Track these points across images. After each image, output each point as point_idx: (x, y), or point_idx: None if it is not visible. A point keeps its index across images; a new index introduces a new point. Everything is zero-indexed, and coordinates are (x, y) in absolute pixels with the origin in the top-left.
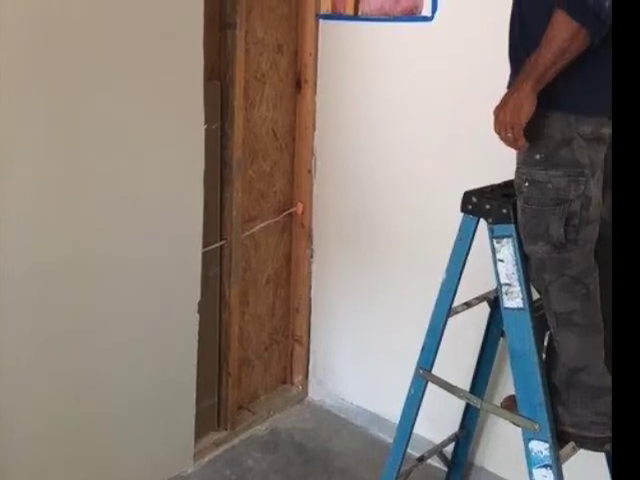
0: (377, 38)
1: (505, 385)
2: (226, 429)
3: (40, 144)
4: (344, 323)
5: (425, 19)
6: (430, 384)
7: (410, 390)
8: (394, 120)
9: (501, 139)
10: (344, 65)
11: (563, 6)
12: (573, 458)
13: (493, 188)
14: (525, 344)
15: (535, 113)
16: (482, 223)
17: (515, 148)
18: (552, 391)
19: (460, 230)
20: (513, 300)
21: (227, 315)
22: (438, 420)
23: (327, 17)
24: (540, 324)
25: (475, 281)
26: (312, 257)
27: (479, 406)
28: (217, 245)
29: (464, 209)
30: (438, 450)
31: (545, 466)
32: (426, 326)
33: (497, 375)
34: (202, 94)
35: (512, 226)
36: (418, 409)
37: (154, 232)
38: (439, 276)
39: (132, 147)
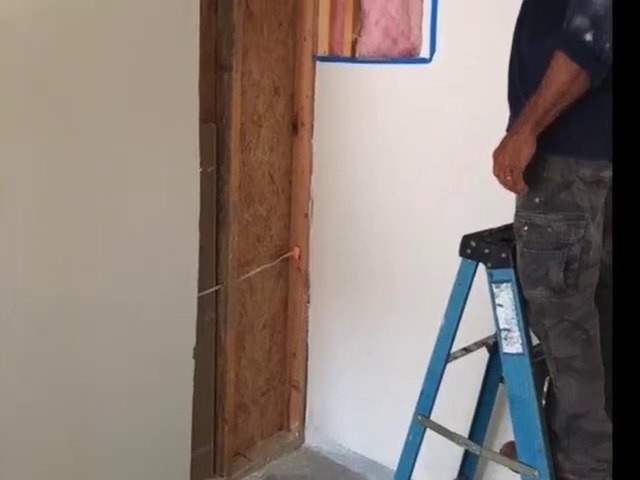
0: (375, 80)
1: (504, 431)
2: (222, 476)
3: (34, 186)
4: (341, 369)
5: (423, 61)
6: (428, 430)
7: (408, 436)
8: (392, 163)
9: (500, 182)
10: (341, 107)
11: (563, 47)
12: None
13: (492, 232)
14: (524, 390)
15: (534, 156)
16: (481, 267)
17: (514, 191)
18: (552, 437)
19: (459, 274)
20: (512, 345)
21: (223, 360)
22: (437, 467)
23: (324, 59)
24: (540, 370)
25: (474, 326)
26: (309, 302)
27: (478, 453)
28: (213, 290)
29: (463, 253)
30: None
31: None
32: (424, 371)
33: (496, 421)
34: (197, 137)
35: (511, 270)
36: (416, 456)
37: (149, 276)
38: (438, 320)
39: (127, 190)
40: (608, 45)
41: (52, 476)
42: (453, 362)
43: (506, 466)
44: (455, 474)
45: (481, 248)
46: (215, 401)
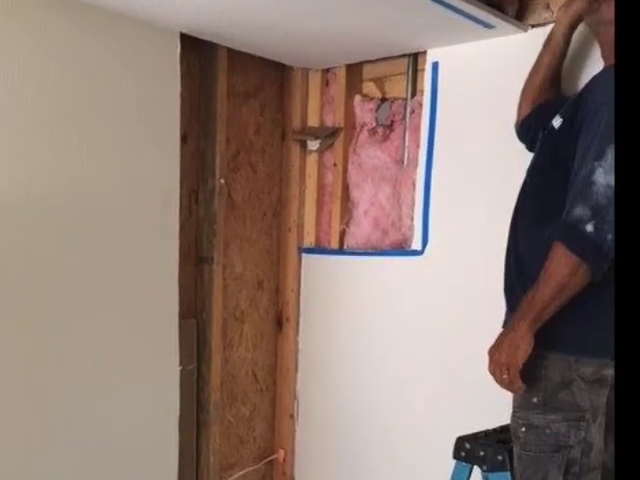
0: (364, 273)
1: None
2: None
3: (9, 380)
4: None
5: (415, 253)
6: None
7: None
8: (382, 361)
9: (496, 381)
10: (328, 302)
11: (562, 238)
12: None
13: (487, 433)
14: None
15: (532, 353)
16: (476, 470)
17: (511, 391)
18: None
19: (452, 478)
20: None
21: None
22: None
23: (310, 251)
24: None
25: None
26: None
27: None
28: None
29: (457, 456)
30: None
31: None
32: None
33: None
34: (177, 333)
35: (508, 474)
36: None
37: None
38: None
39: (102, 388)
40: (610, 236)
41: None
42: None
43: None
44: None
45: (476, 450)
46: None
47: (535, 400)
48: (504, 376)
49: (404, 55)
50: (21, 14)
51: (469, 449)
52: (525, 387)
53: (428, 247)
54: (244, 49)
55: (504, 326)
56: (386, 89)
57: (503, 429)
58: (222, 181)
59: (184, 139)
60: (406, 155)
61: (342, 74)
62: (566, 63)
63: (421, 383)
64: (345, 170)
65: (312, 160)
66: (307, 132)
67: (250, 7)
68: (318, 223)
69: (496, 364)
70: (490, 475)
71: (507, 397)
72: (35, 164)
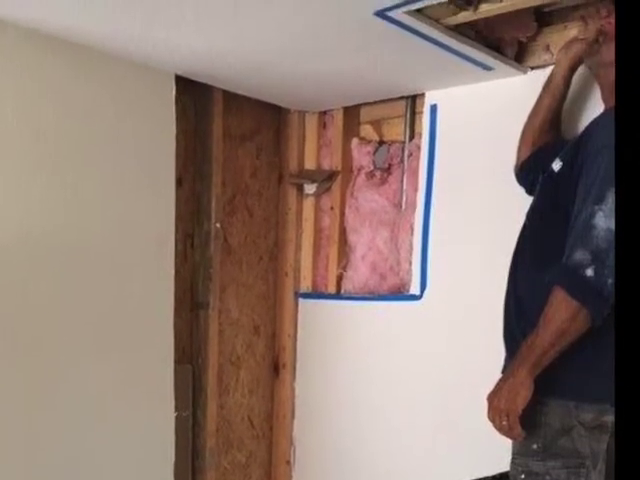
0: (362, 318)
1: None
2: None
3: (2, 426)
4: None
5: (413, 298)
6: None
7: None
8: (380, 407)
9: (495, 427)
10: (325, 347)
11: (562, 283)
12: None
13: None
14: None
15: (532, 400)
16: None
17: (511, 437)
18: None
19: None
20: None
21: None
22: None
23: (307, 296)
24: None
25: None
26: None
27: None
28: None
29: None
30: None
31: None
32: None
33: None
34: (172, 379)
35: None
36: None
37: None
38: None
39: (96, 434)
40: (610, 281)
41: None
42: None
43: None
44: None
45: None
46: None
47: (535, 446)
48: (503, 422)
49: (402, 97)
50: (16, 55)
51: None
52: (525, 433)
53: (426, 292)
54: (240, 91)
55: (503, 372)
56: (384, 132)
57: (502, 476)
58: (218, 225)
59: (179, 182)
60: (404, 199)
61: (339, 117)
62: (566, 105)
63: (420, 429)
64: (342, 214)
65: (309, 204)
66: (304, 175)
67: (245, 49)
68: (315, 267)
69: (495, 410)
70: None
71: (506, 443)
72: (29, 206)
